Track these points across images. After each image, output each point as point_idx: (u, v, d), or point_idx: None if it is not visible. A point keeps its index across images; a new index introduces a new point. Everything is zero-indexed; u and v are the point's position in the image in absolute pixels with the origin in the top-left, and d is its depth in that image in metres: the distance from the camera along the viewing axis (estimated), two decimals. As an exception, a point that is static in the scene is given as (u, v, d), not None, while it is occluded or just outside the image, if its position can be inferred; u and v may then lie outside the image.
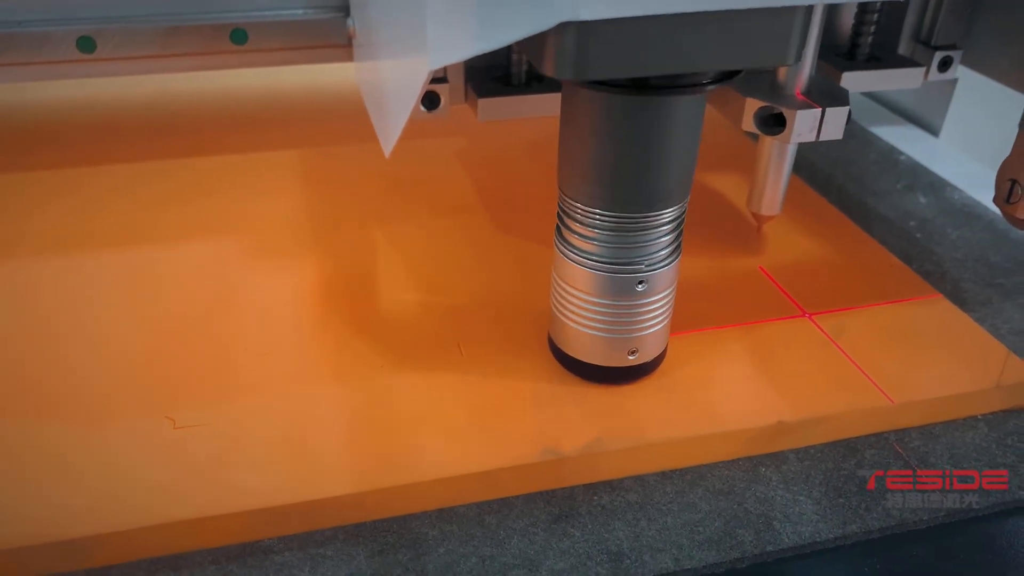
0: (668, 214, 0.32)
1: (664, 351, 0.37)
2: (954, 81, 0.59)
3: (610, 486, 0.34)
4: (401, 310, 0.40)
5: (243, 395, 0.35)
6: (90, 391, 0.35)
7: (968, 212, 0.53)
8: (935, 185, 0.56)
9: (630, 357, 0.35)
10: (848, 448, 0.36)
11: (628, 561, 0.30)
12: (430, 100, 0.42)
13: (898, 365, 0.38)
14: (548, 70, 0.26)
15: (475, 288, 0.42)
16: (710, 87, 0.29)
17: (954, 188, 0.56)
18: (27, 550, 0.29)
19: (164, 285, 0.42)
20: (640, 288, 0.33)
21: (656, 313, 0.34)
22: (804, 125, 0.37)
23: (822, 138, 0.38)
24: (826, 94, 0.38)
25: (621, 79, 0.28)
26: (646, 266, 0.33)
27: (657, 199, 0.32)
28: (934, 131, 0.64)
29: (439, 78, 0.42)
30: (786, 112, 0.37)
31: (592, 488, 0.33)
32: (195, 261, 0.44)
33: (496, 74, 0.44)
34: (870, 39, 0.44)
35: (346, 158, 0.55)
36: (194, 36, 0.46)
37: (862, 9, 0.44)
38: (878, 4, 0.45)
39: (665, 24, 0.25)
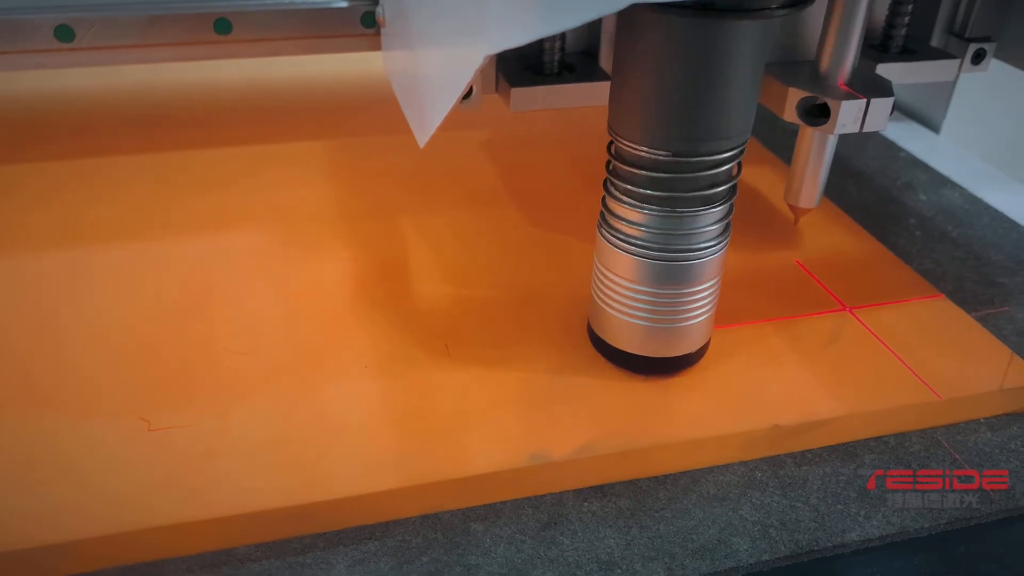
0: (726, 156, 0.31)
1: (708, 343, 0.36)
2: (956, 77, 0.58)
3: (601, 491, 0.32)
4: (394, 308, 0.39)
5: (223, 396, 0.34)
6: (62, 391, 0.34)
7: (969, 210, 0.52)
8: (935, 182, 0.55)
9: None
10: (847, 452, 0.35)
11: (619, 570, 0.29)
12: None
13: (899, 366, 0.37)
14: None
15: (486, 281, 0.41)
16: (778, 12, 0.28)
17: (955, 185, 0.55)
18: (-10, 559, 0.28)
19: (145, 282, 0.40)
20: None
21: (703, 302, 0.34)
22: (848, 116, 0.36)
23: (866, 129, 0.37)
24: (870, 84, 0.37)
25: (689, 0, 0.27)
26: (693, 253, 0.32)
27: (718, 137, 0.31)
28: (935, 128, 0.63)
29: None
30: (831, 102, 0.36)
31: (582, 494, 0.32)
32: (181, 257, 0.42)
33: (528, 63, 0.43)
34: (903, 31, 0.44)
35: (365, 150, 0.54)
36: (176, 25, 0.44)
37: (896, 0, 0.43)
38: None
39: None
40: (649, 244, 0.33)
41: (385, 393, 0.34)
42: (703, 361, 0.36)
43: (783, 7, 0.29)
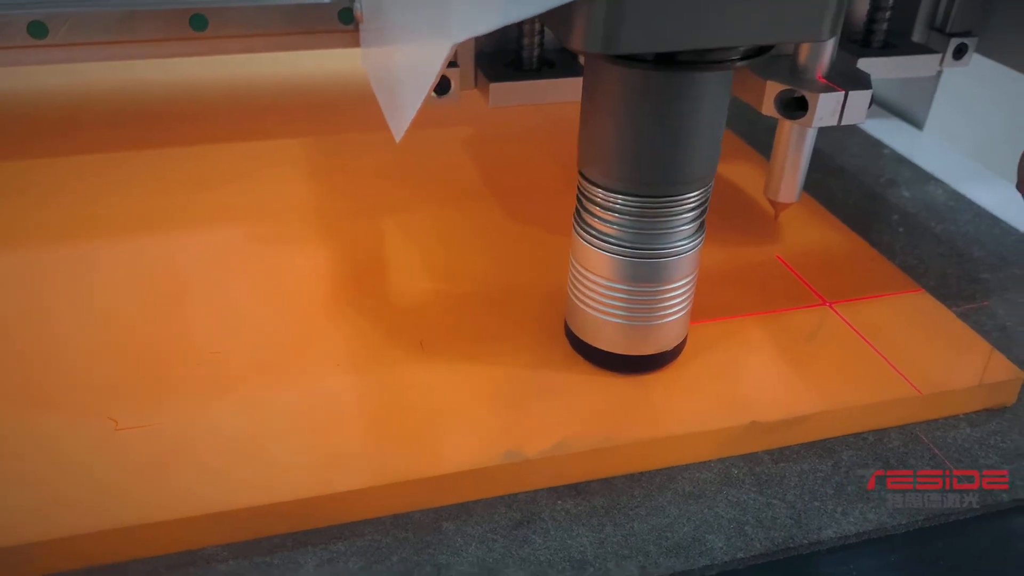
0: (693, 199, 0.31)
1: (685, 340, 0.36)
2: (939, 73, 0.58)
3: (576, 490, 0.32)
4: (369, 305, 0.39)
5: (194, 395, 0.33)
6: (27, 387, 0.33)
7: (952, 206, 0.52)
8: (919, 178, 0.55)
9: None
10: (825, 449, 0.34)
11: (592, 569, 0.29)
12: (441, 85, 0.41)
13: (879, 361, 0.36)
14: (575, 44, 0.25)
15: (463, 278, 0.41)
16: (739, 64, 0.28)
17: (938, 182, 0.54)
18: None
19: (120, 280, 0.40)
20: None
21: (678, 299, 0.34)
22: (826, 108, 0.36)
23: (844, 122, 0.37)
24: (848, 77, 0.37)
25: (647, 54, 0.27)
26: (668, 250, 0.32)
27: (683, 181, 0.31)
28: (919, 124, 0.63)
29: (450, 63, 0.41)
30: (808, 95, 0.36)
31: (556, 491, 0.32)
32: (157, 255, 0.42)
33: (507, 59, 0.42)
34: (885, 26, 0.43)
35: (346, 146, 0.53)
36: (151, 21, 0.44)
37: None
38: None
39: None
40: (624, 242, 0.32)
41: (357, 391, 0.34)
42: (681, 357, 0.36)
43: (742, 59, 0.28)
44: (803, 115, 0.37)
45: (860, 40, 0.44)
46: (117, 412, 0.32)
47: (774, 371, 0.36)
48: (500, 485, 0.31)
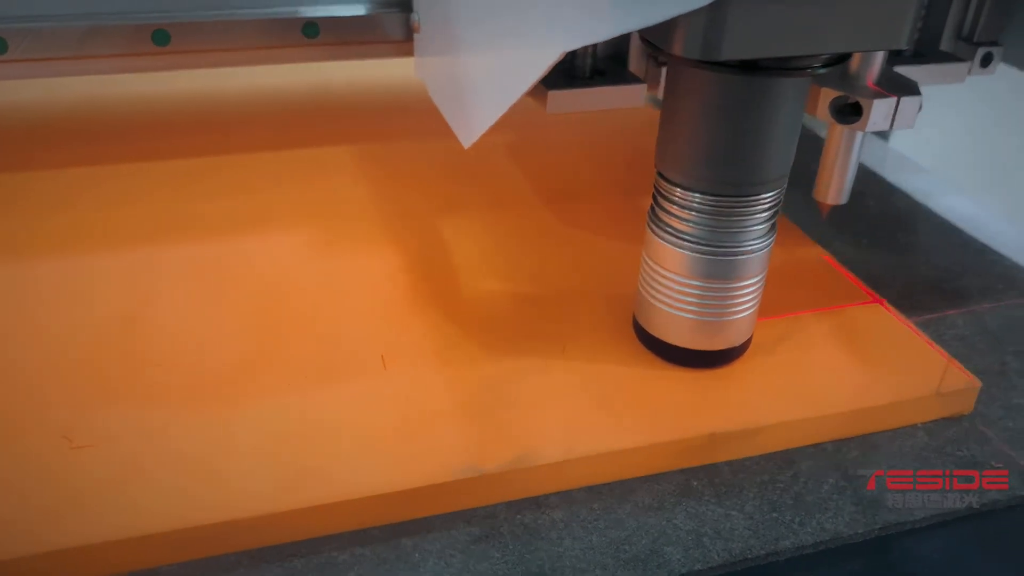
0: (768, 199, 0.34)
1: (750, 338, 0.37)
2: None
3: (536, 503, 0.32)
4: (328, 320, 0.39)
5: (149, 412, 0.33)
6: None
7: (915, 217, 0.52)
8: (883, 190, 0.56)
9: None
10: (784, 459, 0.34)
11: (550, 583, 0.29)
12: None
13: (836, 372, 0.37)
14: (676, 50, 0.28)
15: (423, 291, 0.41)
16: (820, 71, 0.30)
17: (903, 193, 0.55)
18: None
19: (76, 296, 0.40)
20: None
21: (749, 297, 0.35)
22: (880, 114, 0.37)
23: (895, 127, 0.38)
24: (897, 84, 0.38)
25: (733, 61, 0.29)
26: (742, 248, 0.34)
27: (759, 181, 0.33)
28: (884, 136, 0.64)
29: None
30: (863, 101, 0.37)
31: (516, 506, 0.32)
32: (115, 271, 0.42)
33: (560, 67, 0.43)
34: (915, 36, 0.44)
35: (321, 158, 0.53)
36: (113, 37, 0.44)
37: None
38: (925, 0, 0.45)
39: (798, 4, 0.27)
40: (700, 240, 0.34)
41: (314, 406, 0.34)
42: (643, 369, 0.36)
43: (824, 67, 0.30)
44: (856, 120, 0.38)
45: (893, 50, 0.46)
46: (71, 430, 0.32)
47: (732, 383, 0.36)
48: (459, 500, 0.31)
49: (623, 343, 0.38)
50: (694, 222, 0.34)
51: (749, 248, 0.34)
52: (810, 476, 0.34)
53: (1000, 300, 0.45)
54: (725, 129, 0.32)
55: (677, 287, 0.35)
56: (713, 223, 0.33)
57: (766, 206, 0.34)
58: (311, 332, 0.38)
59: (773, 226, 0.35)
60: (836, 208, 0.53)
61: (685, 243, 0.34)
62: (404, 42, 0.47)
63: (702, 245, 0.34)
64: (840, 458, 0.35)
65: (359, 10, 0.47)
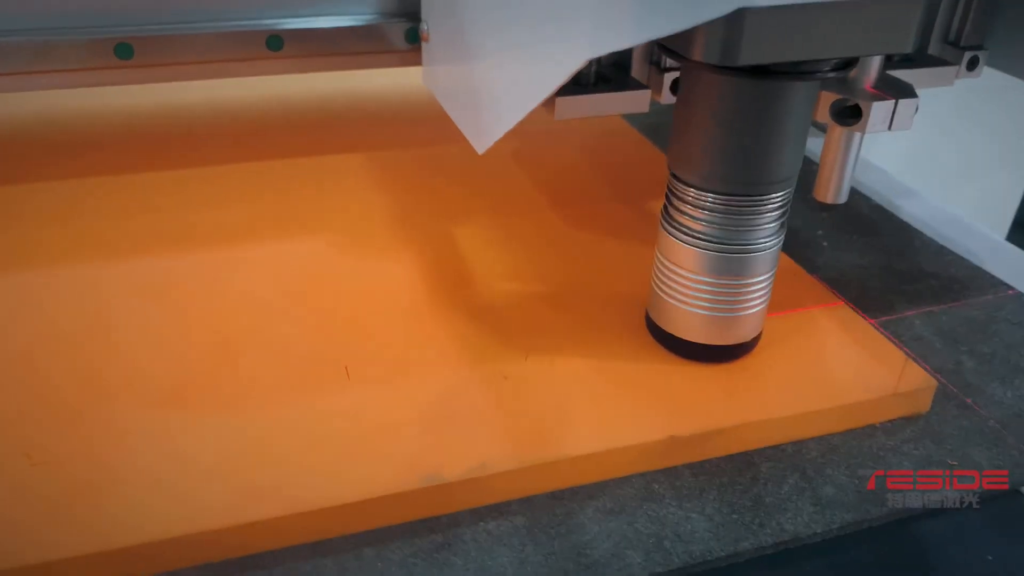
0: (778, 199, 0.35)
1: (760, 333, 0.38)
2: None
3: (498, 510, 0.32)
4: (292, 331, 0.39)
5: (109, 426, 0.33)
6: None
7: (876, 219, 0.53)
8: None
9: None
10: (744, 461, 0.35)
11: (514, 589, 0.29)
12: None
13: (796, 374, 0.37)
14: (695, 55, 0.29)
15: (382, 300, 0.41)
16: (829, 75, 0.32)
17: (863, 196, 0.56)
18: None
19: (39, 309, 0.39)
20: None
21: (760, 293, 0.36)
22: (878, 116, 0.38)
23: (893, 129, 0.39)
24: (894, 87, 0.39)
25: (747, 65, 0.30)
26: (753, 246, 0.35)
27: (770, 181, 0.34)
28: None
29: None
30: (862, 104, 0.38)
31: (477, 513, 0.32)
32: (81, 283, 0.41)
33: None
34: (919, 40, 0.45)
35: (295, 168, 0.54)
36: (73, 51, 0.44)
37: None
38: None
39: (811, 12, 0.28)
40: (712, 238, 0.35)
41: (276, 418, 0.34)
42: (600, 373, 0.37)
43: (833, 71, 0.32)
44: (855, 122, 0.39)
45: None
46: (33, 447, 0.32)
47: (692, 384, 0.36)
48: (420, 509, 0.32)
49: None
50: (707, 221, 0.35)
51: (760, 246, 0.35)
52: (769, 478, 0.34)
53: (957, 300, 0.46)
54: (739, 131, 0.33)
55: (692, 284, 0.36)
56: (725, 222, 0.34)
57: (776, 205, 0.35)
58: (267, 347, 0.38)
59: (783, 224, 0.36)
60: (795, 212, 0.54)
61: (698, 241, 0.35)
62: (408, 51, 0.48)
63: (715, 243, 0.35)
64: (800, 459, 0.35)
65: (352, 21, 0.47)
